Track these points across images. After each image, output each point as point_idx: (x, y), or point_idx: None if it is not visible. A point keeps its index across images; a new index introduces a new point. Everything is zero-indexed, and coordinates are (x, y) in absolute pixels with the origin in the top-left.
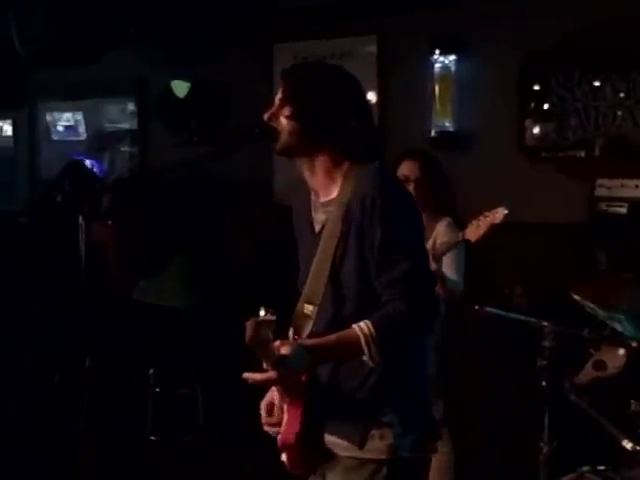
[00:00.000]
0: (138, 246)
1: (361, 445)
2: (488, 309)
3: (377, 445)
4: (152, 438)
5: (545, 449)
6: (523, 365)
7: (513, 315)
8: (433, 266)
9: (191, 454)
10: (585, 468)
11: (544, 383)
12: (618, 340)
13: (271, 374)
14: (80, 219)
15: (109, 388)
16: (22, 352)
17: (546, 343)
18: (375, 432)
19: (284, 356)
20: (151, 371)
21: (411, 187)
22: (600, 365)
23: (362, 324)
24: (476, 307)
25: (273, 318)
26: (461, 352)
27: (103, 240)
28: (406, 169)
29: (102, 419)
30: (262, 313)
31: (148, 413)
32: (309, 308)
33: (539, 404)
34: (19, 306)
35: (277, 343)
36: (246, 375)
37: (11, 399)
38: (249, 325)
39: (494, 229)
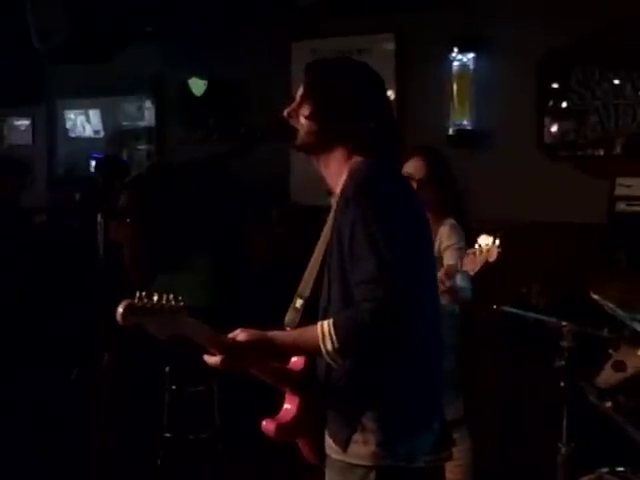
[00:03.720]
0: (156, 244)
1: (344, 449)
2: (506, 308)
3: (361, 451)
4: (167, 436)
5: (563, 450)
6: (541, 365)
7: (531, 315)
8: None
9: (207, 452)
10: (604, 469)
11: (562, 383)
12: (638, 340)
13: (216, 359)
14: (99, 217)
15: (125, 385)
16: (39, 348)
17: (565, 343)
18: (358, 437)
19: (236, 342)
20: (167, 369)
21: (414, 186)
22: (620, 366)
23: (324, 322)
24: (494, 306)
25: (176, 304)
26: (479, 352)
27: (121, 238)
28: (411, 167)
29: (118, 416)
30: (137, 295)
31: (164, 411)
32: (299, 302)
33: (557, 405)
34: (36, 303)
35: (237, 330)
36: (204, 357)
37: (29, 395)
38: (119, 307)
39: (490, 265)
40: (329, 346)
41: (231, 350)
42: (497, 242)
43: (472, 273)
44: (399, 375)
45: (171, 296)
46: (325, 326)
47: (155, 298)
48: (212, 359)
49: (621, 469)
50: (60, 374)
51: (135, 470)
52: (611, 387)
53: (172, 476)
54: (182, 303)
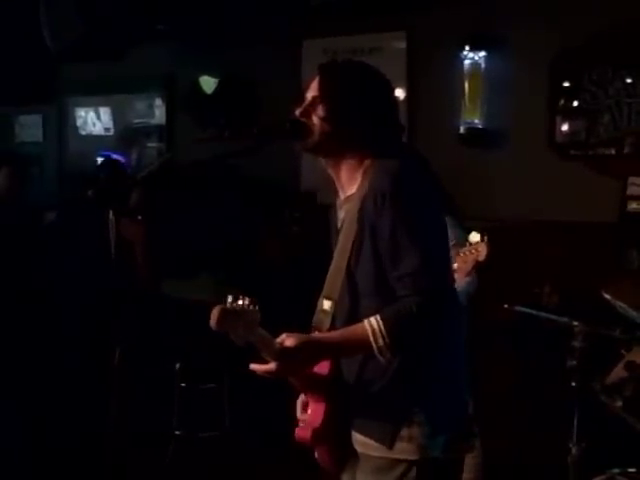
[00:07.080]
0: (168, 243)
1: (390, 445)
2: (517, 308)
3: (406, 445)
4: (178, 433)
5: (574, 450)
6: (553, 365)
7: (543, 314)
8: None
9: (217, 449)
10: (615, 470)
11: (574, 384)
12: None
13: (271, 366)
14: (110, 215)
15: (135, 382)
16: (50, 345)
17: (576, 343)
18: (404, 432)
19: (287, 348)
20: (178, 366)
21: None
22: (632, 366)
23: (372, 319)
24: (505, 306)
25: (255, 309)
26: (490, 351)
27: (132, 236)
28: None
29: (128, 413)
30: (229, 299)
31: (174, 408)
32: (327, 304)
33: (569, 405)
34: (48, 300)
35: (283, 336)
36: (252, 366)
37: (40, 393)
38: (213, 311)
39: (480, 266)
40: (380, 342)
41: (284, 356)
42: (485, 240)
43: (462, 275)
44: (440, 365)
45: (247, 300)
46: (374, 323)
47: (240, 302)
48: (263, 367)
49: (633, 470)
50: (70, 372)
51: (145, 467)
52: (623, 388)
53: (182, 474)
54: (257, 307)
